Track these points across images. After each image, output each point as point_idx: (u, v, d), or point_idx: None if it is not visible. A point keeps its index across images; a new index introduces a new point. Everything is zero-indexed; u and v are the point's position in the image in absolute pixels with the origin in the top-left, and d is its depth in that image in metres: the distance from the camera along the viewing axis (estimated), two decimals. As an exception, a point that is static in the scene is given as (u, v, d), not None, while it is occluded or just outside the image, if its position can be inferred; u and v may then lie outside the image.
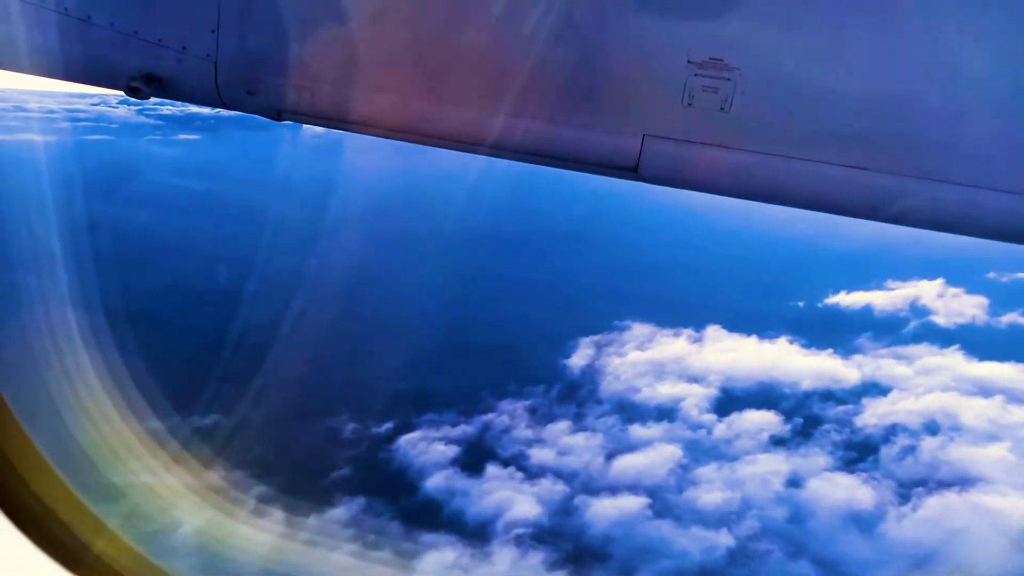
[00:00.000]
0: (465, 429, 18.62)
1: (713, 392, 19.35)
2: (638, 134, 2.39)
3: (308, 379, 22.01)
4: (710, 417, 18.03)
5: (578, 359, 23.98)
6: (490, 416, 19.43)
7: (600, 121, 2.41)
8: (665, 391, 19.68)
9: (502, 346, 25.25)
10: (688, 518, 13.56)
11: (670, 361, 22.57)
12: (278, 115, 2.68)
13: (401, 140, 2.59)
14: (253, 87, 2.61)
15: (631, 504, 14.08)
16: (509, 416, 19.62)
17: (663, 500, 14.40)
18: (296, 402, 20.46)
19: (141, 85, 2.64)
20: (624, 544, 13.31)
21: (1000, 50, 2.07)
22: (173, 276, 27.18)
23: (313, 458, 17.40)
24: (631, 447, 17.13)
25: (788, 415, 18.06)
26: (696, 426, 17.73)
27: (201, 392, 19.43)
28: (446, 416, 19.79)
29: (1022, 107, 2.11)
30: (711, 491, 14.37)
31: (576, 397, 21.64)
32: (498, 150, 2.51)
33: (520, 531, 13.43)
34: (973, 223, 2.29)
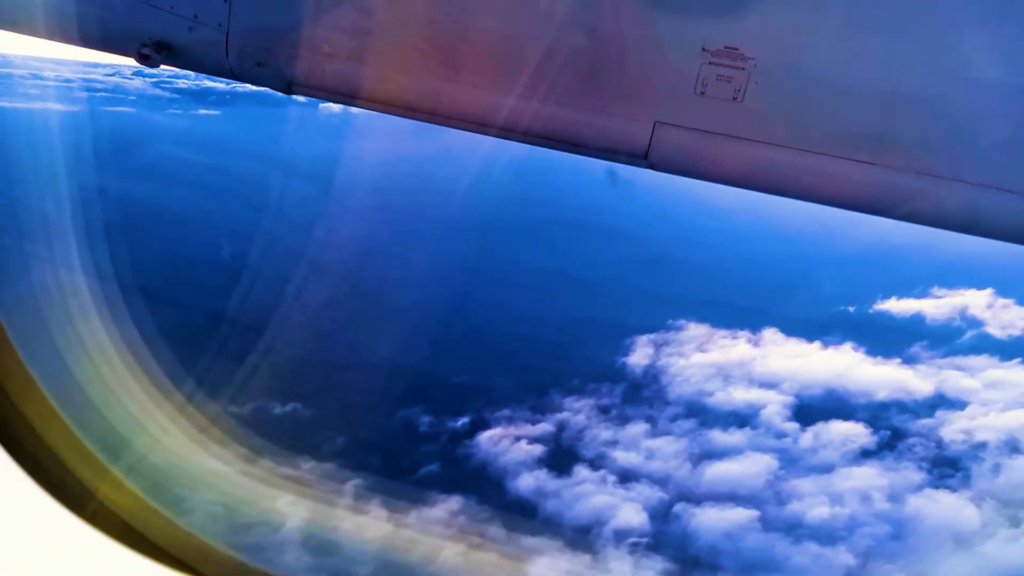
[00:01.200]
0: (545, 428, 18.46)
1: (789, 399, 19.23)
2: (649, 121, 2.35)
3: (369, 368, 21.83)
4: (792, 426, 17.94)
5: (637, 358, 23.83)
6: (565, 415, 19.28)
7: (612, 106, 2.37)
8: (741, 396, 19.54)
9: (555, 342, 25.12)
10: (798, 532, 13.46)
11: (735, 365, 22.45)
12: (288, 88, 2.63)
13: (411, 118, 2.55)
14: (264, 59, 2.57)
15: (738, 516, 13.97)
16: (581, 415, 19.48)
17: (768, 512, 14.29)
18: (365, 391, 20.29)
19: (152, 52, 2.59)
20: (738, 557, 13.23)
21: (1017, 50, 2.03)
22: (209, 256, 26.82)
23: (398, 452, 17.23)
24: (719, 454, 17.02)
25: (871, 427, 17.96)
26: (780, 434, 17.63)
27: (274, 380, 19.20)
28: (520, 413, 19.63)
29: None
30: (815, 505, 14.27)
31: (643, 397, 21.52)
32: (508, 132, 2.47)
33: (634, 540, 13.31)
34: (985, 224, 2.24)
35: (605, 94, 2.35)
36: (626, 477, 15.95)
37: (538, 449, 17.37)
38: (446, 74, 2.44)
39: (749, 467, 15.98)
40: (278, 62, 2.56)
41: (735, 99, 2.24)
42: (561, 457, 17.31)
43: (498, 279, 29.52)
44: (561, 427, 18.72)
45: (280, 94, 2.69)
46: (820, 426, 17.55)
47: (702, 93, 2.25)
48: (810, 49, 2.18)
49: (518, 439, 17.64)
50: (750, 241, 38.68)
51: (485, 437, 17.81)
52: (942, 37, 2.08)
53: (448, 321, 25.59)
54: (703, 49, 2.21)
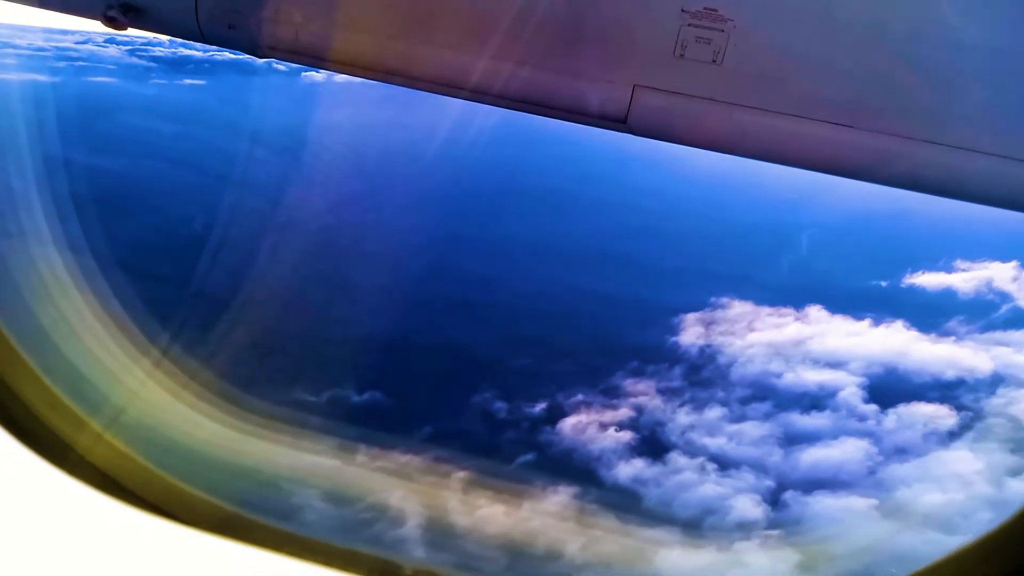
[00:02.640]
0: (625, 413, 18.33)
1: (861, 380, 19.31)
2: (629, 84, 2.33)
3: (421, 351, 21.50)
4: (871, 407, 18.01)
5: (688, 337, 23.76)
6: (641, 399, 19.17)
7: (590, 70, 2.35)
8: (811, 378, 19.57)
9: (597, 321, 24.93)
10: (917, 520, 13.54)
11: (790, 344, 22.48)
12: (260, 52, 2.58)
13: (387, 82, 2.51)
14: (235, 21, 2.51)
15: (856, 504, 14.00)
16: (657, 399, 19.39)
17: (883, 499, 14.35)
18: (430, 375, 19.98)
19: (118, 15, 2.51)
20: (876, 551, 13.27)
21: (994, 16, 2.05)
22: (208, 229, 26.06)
23: (488, 440, 17.00)
24: (807, 438, 17.03)
25: (950, 408, 18.13)
26: (862, 417, 17.69)
27: (344, 366, 18.80)
28: (592, 397, 19.47)
29: (1012, 72, 2.08)
30: (925, 491, 14.36)
31: (706, 379, 21.48)
32: (485, 95, 2.43)
33: (763, 532, 13.27)
34: (964, 187, 2.26)
35: (583, 57, 2.31)
36: (725, 464, 15.87)
37: (625, 436, 17.22)
38: (422, 37, 2.40)
39: (845, 452, 15.99)
40: (250, 25, 2.47)
41: (714, 62, 2.20)
42: (650, 444, 17.20)
43: (511, 255, 29.15)
44: (639, 411, 18.58)
45: (255, 60, 2.60)
46: (901, 408, 17.60)
47: (681, 56, 2.22)
48: (789, 12, 2.15)
49: (604, 427, 17.47)
50: (743, 212, 38.60)
51: (569, 424, 17.60)
52: (921, 2, 2.07)
53: (471, 299, 25.26)
54: (682, 10, 2.17)
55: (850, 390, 18.30)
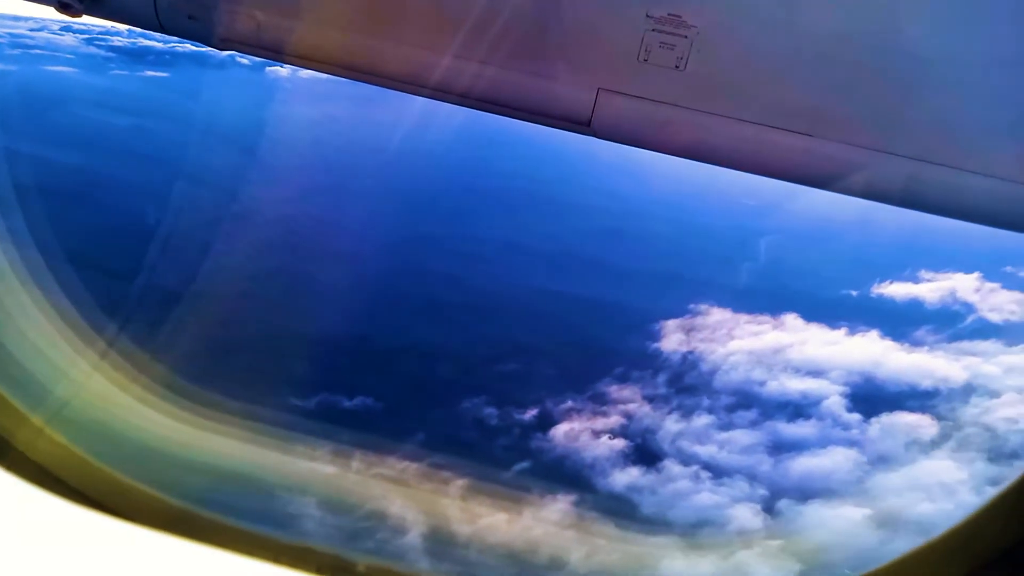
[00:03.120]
0: (615, 420, 18.44)
1: (843, 389, 19.72)
2: (593, 87, 2.37)
3: (405, 353, 21.37)
4: (854, 416, 18.40)
5: (669, 344, 23.99)
6: (630, 407, 19.30)
7: (555, 71, 2.38)
8: (794, 386, 19.92)
9: (577, 325, 25.04)
10: (911, 529, 13.89)
11: (770, 352, 22.85)
12: (220, 44, 2.55)
13: (348, 78, 2.51)
14: (195, 12, 2.48)
15: (851, 513, 14.29)
16: (647, 406, 19.54)
17: (876, 508, 14.68)
18: (417, 382, 19.85)
19: (73, 2, 2.46)
20: (872, 559, 13.53)
21: (962, 26, 2.11)
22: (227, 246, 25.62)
23: (482, 447, 16.94)
24: (794, 446, 17.33)
25: (929, 417, 18.61)
26: (847, 426, 18.07)
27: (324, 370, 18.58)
28: (580, 403, 19.54)
29: (976, 83, 2.15)
30: (916, 501, 14.74)
31: (689, 386, 21.72)
32: (447, 94, 2.45)
33: (765, 541, 13.45)
34: (925, 198, 2.34)
35: (548, 59, 2.32)
36: (718, 473, 16.06)
37: (617, 443, 17.32)
38: (385, 33, 2.39)
39: (835, 461, 16.31)
40: (210, 16, 2.43)
41: (677, 67, 2.23)
42: (642, 451, 17.31)
43: (481, 256, 29.10)
44: (629, 418, 18.71)
45: (216, 53, 2.60)
46: (884, 417, 18.02)
47: (645, 60, 2.25)
48: (753, 20, 2.18)
49: (596, 434, 17.54)
50: (707, 216, 39.05)
51: (561, 431, 17.64)
52: (882, 10, 2.11)
53: (447, 301, 25.16)
54: (647, 15, 2.20)
55: (833, 399, 18.65)
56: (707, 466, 15.95)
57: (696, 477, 15.57)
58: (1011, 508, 1.76)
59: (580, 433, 16.97)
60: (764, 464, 16.24)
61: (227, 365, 17.07)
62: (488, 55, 2.32)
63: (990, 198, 2.28)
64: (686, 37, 2.22)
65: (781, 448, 17.02)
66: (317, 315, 22.13)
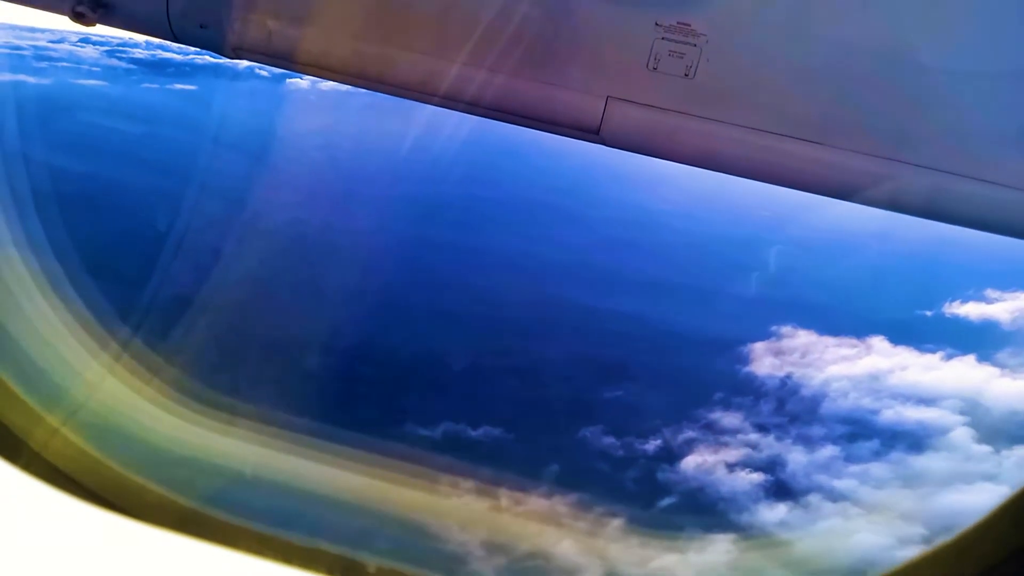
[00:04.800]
0: (743, 452, 17.90)
1: (961, 418, 19.27)
2: (602, 95, 2.37)
3: (502, 377, 20.82)
4: (983, 448, 17.94)
5: (760, 367, 23.50)
6: (752, 436, 18.78)
7: (564, 79, 2.37)
8: (910, 415, 19.45)
9: (665, 348, 24.55)
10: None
11: (870, 377, 22.40)
12: (233, 53, 2.55)
13: (359, 86, 2.51)
14: (207, 20, 2.50)
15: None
16: (769, 436, 19.03)
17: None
18: (528, 409, 19.29)
19: (87, 10, 2.47)
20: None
21: (973, 37, 2.08)
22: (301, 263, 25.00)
23: (615, 480, 16.36)
24: (937, 482, 16.84)
25: (1060, 448, 18.19)
26: (980, 459, 17.61)
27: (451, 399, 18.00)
28: (699, 433, 19.01)
29: (990, 94, 2.12)
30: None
31: (795, 413, 21.20)
32: (457, 102, 2.45)
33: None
34: (938, 208, 2.30)
35: (558, 66, 2.31)
36: (868, 508, 15.53)
37: (752, 476, 16.78)
38: (395, 41, 2.39)
39: (983, 497, 15.82)
40: (222, 25, 2.42)
41: (687, 75, 2.22)
42: (779, 485, 16.78)
43: (530, 270, 28.62)
44: (753, 448, 18.18)
45: (232, 62, 2.57)
46: (1017, 450, 17.56)
47: (655, 68, 2.23)
48: (763, 27, 2.16)
49: (729, 467, 17.00)
50: (720, 226, 38.60)
51: (691, 463, 17.08)
52: (896, 18, 2.05)
53: (506, 319, 24.67)
54: (656, 24, 2.18)
55: (959, 431, 18.13)
56: (854, 501, 15.37)
57: (846, 513, 14.99)
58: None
59: (711, 465, 16.39)
60: (909, 500, 15.69)
61: (302, 384, 16.48)
62: (497, 63, 2.30)
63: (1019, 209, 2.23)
64: (695, 45, 2.20)
65: (919, 482, 16.50)
66: (375, 331, 21.52)
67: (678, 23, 2.23)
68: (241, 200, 28.04)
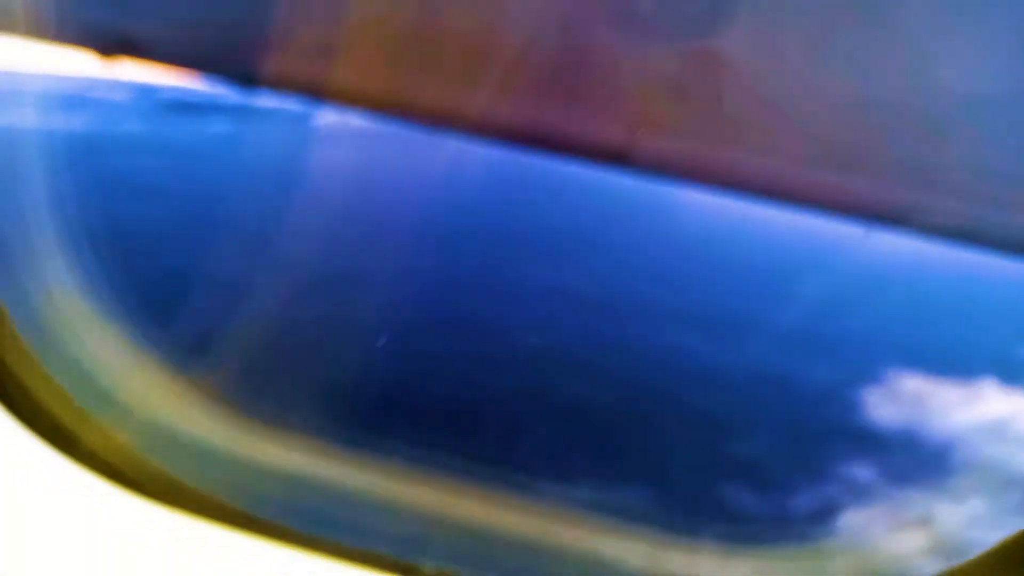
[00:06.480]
0: (892, 508, 17.42)
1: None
2: (629, 123, 2.21)
3: (619, 428, 20.54)
4: None
5: (875, 414, 23.21)
6: (892, 490, 18.34)
7: (589, 107, 2.14)
8: (1055, 465, 19.04)
9: (760, 392, 24.32)
10: None
11: (995, 423, 22.04)
12: (250, 82, 2.40)
13: (382, 116, 2.38)
14: (229, 53, 2.39)
15: None
16: (898, 487, 18.61)
17: None
18: (666, 466, 18.93)
19: (114, 47, 2.40)
20: None
21: (1000, 64, 1.89)
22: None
23: (757, 532, 15.89)
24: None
25: None
26: None
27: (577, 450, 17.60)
28: (839, 488, 18.56)
29: (1012, 120, 1.96)
30: None
31: (927, 464, 20.82)
32: (480, 131, 2.33)
33: None
34: (981, 237, 2.17)
35: (583, 93, 2.25)
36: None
37: (916, 536, 16.28)
38: (423, 68, 2.46)
39: None
40: (243, 54, 2.31)
41: (714, 103, 2.26)
42: (944, 546, 16.29)
43: (598, 308, 28.65)
44: (899, 504, 17.71)
45: (268, 98, 2.54)
46: None
47: (682, 96, 2.07)
48: (792, 53, 2.15)
49: (891, 527, 16.50)
50: (772, 260, 39.18)
51: (852, 522, 16.58)
52: (924, 44, 1.97)
53: (585, 361, 24.59)
54: (683, 49, 2.31)
55: (1112, 482, 17.68)
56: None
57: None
58: None
59: (870, 525, 15.88)
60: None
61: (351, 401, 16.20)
62: (522, 92, 1.93)
63: None
64: (723, 72, 1.99)
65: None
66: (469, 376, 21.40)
67: (706, 49, 2.06)
68: (287, 236, 28.28)
